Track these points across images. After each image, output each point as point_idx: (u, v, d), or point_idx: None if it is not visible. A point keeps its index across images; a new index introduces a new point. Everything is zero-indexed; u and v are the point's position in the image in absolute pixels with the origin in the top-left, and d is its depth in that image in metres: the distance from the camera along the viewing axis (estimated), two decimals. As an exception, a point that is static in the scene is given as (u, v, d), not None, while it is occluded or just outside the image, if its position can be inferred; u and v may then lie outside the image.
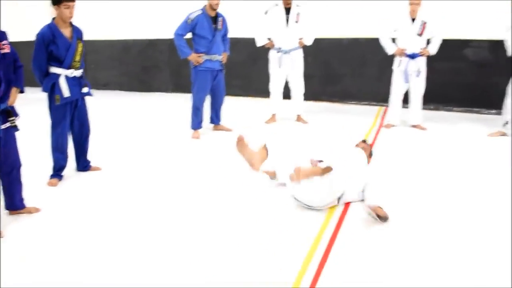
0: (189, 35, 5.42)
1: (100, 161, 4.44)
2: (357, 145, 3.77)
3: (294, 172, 3.14)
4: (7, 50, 3.07)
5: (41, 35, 3.74)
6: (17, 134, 3.21)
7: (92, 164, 4.32)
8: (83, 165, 4.24)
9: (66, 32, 3.82)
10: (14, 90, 3.17)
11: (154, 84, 8.95)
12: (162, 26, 8.25)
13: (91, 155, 4.32)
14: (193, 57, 5.36)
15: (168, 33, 8.06)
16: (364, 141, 3.82)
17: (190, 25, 5.31)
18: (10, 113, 3.12)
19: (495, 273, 2.50)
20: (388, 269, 2.57)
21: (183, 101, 7.56)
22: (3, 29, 3.14)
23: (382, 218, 3.04)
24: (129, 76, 9.15)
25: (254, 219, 3.22)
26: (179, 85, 8.64)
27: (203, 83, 5.47)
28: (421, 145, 5.10)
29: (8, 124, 3.10)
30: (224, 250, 2.78)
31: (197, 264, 2.62)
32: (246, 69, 7.80)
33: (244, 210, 3.36)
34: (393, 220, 3.14)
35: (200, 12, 5.32)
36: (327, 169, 3.19)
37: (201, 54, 5.36)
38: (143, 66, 8.98)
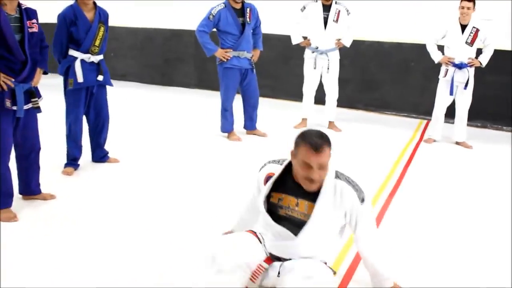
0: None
1: (119, 153, 4.66)
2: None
3: None
4: (35, 29, 3.31)
5: (63, 16, 3.96)
6: (38, 116, 3.44)
7: (110, 155, 4.53)
8: (99, 155, 4.45)
9: (89, 14, 4.03)
10: (38, 70, 3.40)
11: (176, 78, 9.18)
12: (188, 16, 8.47)
13: (110, 147, 4.54)
14: (220, 53, 5.40)
15: (194, 24, 8.36)
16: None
17: (213, 21, 5.33)
18: (33, 94, 3.34)
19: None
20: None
21: (207, 98, 7.79)
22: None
23: None
24: (150, 67, 9.40)
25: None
26: (203, 81, 8.85)
27: (231, 82, 5.52)
28: (464, 165, 5.17)
29: (30, 105, 3.32)
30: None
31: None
32: (277, 69, 7.97)
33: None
34: (421, 247, 3.24)
35: (222, 6, 5.33)
36: None
37: (228, 50, 5.40)
38: (166, 58, 9.22)
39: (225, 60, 5.41)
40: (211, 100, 7.10)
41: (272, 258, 2.38)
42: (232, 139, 5.62)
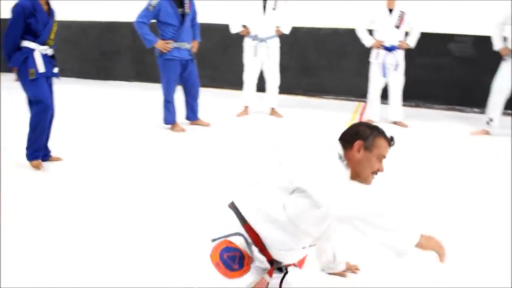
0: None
1: (61, 151, 4.54)
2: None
3: None
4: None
5: (21, 7, 3.88)
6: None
7: (52, 154, 4.43)
8: (43, 153, 4.33)
9: (45, 8, 4.01)
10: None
11: (113, 72, 9.02)
12: (123, 8, 8.32)
13: (51, 145, 4.43)
14: (160, 44, 5.36)
15: (131, 16, 8.20)
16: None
17: (152, 12, 5.30)
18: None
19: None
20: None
21: (147, 91, 7.71)
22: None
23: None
24: (85, 62, 9.19)
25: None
26: (141, 74, 8.74)
27: (172, 74, 5.50)
28: (402, 143, 5.37)
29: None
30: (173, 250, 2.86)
31: (146, 264, 2.71)
32: (216, 58, 7.99)
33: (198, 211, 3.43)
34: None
35: None
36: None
37: (168, 41, 5.39)
38: (102, 51, 9.02)
39: (166, 52, 5.38)
40: (151, 92, 7.07)
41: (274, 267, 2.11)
42: (176, 131, 5.61)
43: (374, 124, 2.16)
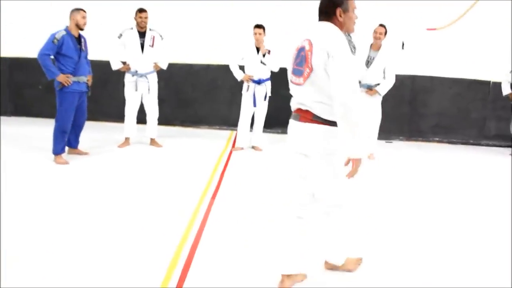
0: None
1: None
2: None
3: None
4: None
5: None
6: None
7: None
8: None
9: None
10: None
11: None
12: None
13: None
14: (62, 78, 5.60)
15: (7, 51, 8.16)
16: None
17: (57, 45, 5.59)
18: None
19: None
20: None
21: (25, 126, 7.63)
22: None
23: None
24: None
25: (119, 225, 3.70)
26: (20, 107, 8.64)
27: (71, 106, 5.77)
28: (261, 166, 6.01)
29: None
30: (88, 255, 3.09)
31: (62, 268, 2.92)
32: (96, 93, 8.13)
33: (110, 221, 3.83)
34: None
35: (64, 32, 5.62)
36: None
37: (69, 75, 5.66)
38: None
39: (67, 85, 5.64)
40: (30, 127, 6.94)
41: None
42: (59, 162, 5.68)
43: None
